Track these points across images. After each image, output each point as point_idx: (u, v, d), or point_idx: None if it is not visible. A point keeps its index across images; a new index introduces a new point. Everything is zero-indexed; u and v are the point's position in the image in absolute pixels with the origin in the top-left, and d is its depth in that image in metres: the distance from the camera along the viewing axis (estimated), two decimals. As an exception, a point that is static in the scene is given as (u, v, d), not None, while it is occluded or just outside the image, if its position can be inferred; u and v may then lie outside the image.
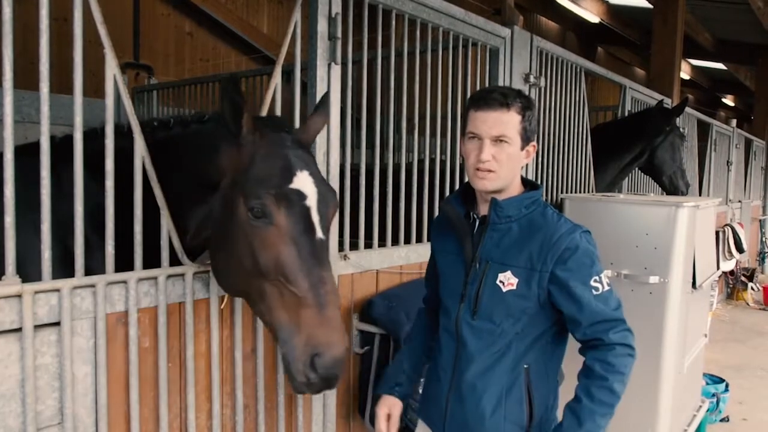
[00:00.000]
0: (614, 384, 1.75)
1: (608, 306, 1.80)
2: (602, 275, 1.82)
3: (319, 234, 1.79)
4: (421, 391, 2.28)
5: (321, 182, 1.84)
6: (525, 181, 1.98)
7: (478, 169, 1.83)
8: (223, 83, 1.72)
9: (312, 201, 1.78)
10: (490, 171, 1.82)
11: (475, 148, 1.83)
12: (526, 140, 1.85)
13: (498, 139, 1.80)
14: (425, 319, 2.23)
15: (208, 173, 1.88)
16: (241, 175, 1.77)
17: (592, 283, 1.79)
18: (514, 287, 1.82)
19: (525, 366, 1.86)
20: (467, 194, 2.00)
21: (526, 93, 1.91)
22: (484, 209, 1.94)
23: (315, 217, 1.78)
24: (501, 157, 1.81)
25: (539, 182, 3.97)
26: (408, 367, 2.16)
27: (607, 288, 1.81)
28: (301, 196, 1.76)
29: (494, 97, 1.81)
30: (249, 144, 1.79)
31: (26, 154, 1.72)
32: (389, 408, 2.12)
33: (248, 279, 1.78)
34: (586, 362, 1.81)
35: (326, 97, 2.10)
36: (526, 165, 2.14)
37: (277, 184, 1.74)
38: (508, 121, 1.80)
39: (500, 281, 1.84)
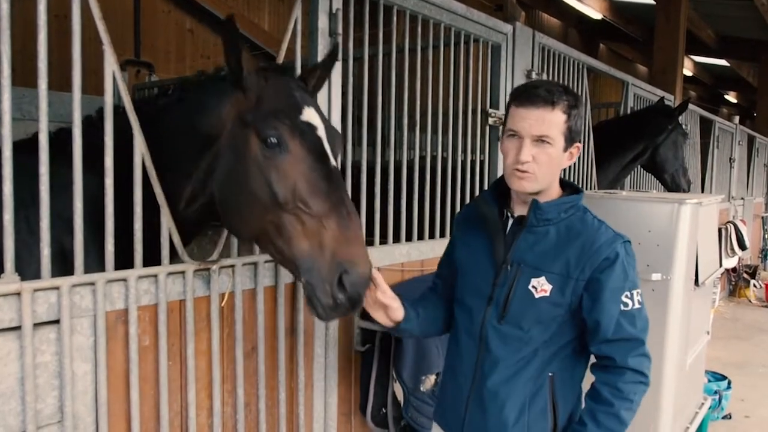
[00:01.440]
0: (621, 411, 1.68)
1: (633, 325, 1.71)
2: (635, 291, 1.72)
3: (333, 162, 1.83)
4: (436, 392, 2.24)
5: (327, 121, 1.90)
6: (564, 183, 1.88)
7: (516, 170, 1.72)
8: (222, 24, 1.73)
9: (322, 133, 1.84)
10: (528, 172, 1.72)
11: (515, 146, 1.73)
12: (569, 141, 1.74)
13: (539, 139, 1.69)
14: (432, 297, 2.10)
15: (208, 129, 1.88)
16: (249, 114, 1.80)
17: (623, 298, 1.70)
18: (548, 294, 1.73)
19: (550, 374, 1.78)
20: (501, 191, 1.89)
21: (567, 86, 1.79)
22: (519, 209, 1.84)
23: (327, 147, 1.83)
24: (541, 158, 1.70)
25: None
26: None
27: (637, 306, 1.72)
28: (312, 127, 1.82)
29: (538, 93, 1.69)
30: (254, 86, 1.83)
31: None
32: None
33: (264, 215, 1.78)
34: (594, 384, 1.75)
35: (336, 49, 2.17)
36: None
37: (289, 117, 1.79)
38: (551, 121, 1.69)
39: (533, 287, 1.75)
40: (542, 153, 1.70)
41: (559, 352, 1.79)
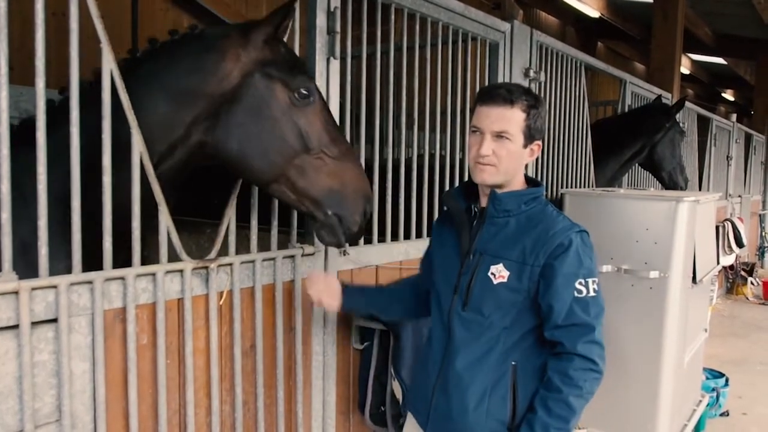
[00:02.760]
0: (569, 397, 1.72)
1: (586, 312, 1.76)
2: (590, 280, 1.78)
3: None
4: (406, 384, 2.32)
5: None
6: (528, 180, 1.97)
7: (478, 162, 1.84)
8: None
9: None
10: (489, 165, 1.83)
11: (477, 142, 1.85)
12: (529, 138, 1.85)
13: (499, 135, 1.81)
14: (406, 288, 2.28)
15: (200, 82, 1.92)
16: (272, 68, 1.95)
17: (576, 285, 1.76)
18: (505, 280, 1.82)
19: (512, 363, 1.84)
20: (470, 188, 2.01)
21: (529, 88, 1.90)
22: (485, 202, 1.95)
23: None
24: (501, 152, 1.82)
25: (539, 177, 3.98)
26: (367, 292, 2.23)
27: (591, 294, 1.77)
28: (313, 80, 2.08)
29: (499, 92, 1.82)
30: (271, 40, 1.97)
31: None
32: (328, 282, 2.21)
33: (291, 159, 1.97)
34: (547, 373, 1.79)
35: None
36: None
37: (306, 71, 2.06)
38: (510, 118, 1.81)
39: (491, 273, 1.83)
40: (502, 148, 1.82)
41: (522, 340, 1.85)
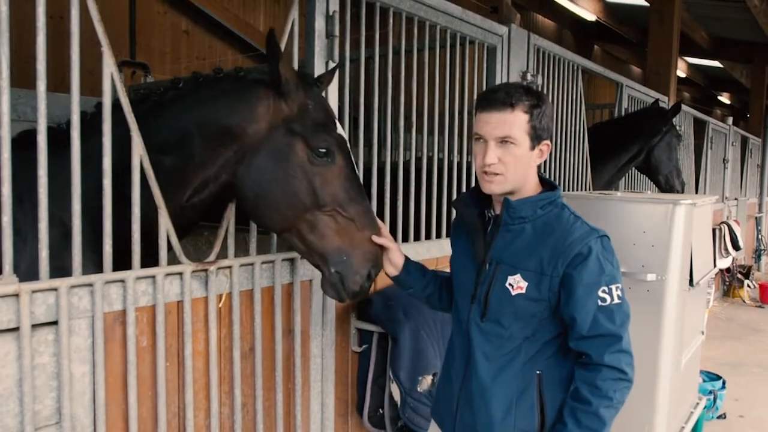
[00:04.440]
0: (600, 409, 1.66)
1: (611, 321, 1.70)
2: (614, 286, 1.71)
3: (359, 173, 2.11)
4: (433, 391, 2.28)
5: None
6: (544, 181, 1.89)
7: (485, 172, 1.77)
8: (267, 37, 1.87)
9: (349, 146, 2.10)
10: (496, 174, 1.76)
11: (481, 150, 1.77)
12: (536, 139, 1.76)
13: (503, 141, 1.74)
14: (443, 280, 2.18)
15: (236, 127, 1.96)
16: (296, 124, 1.97)
17: (600, 293, 1.69)
18: (524, 291, 1.75)
19: (537, 372, 1.78)
20: (481, 193, 1.91)
21: (529, 87, 1.83)
22: (498, 208, 1.87)
23: (352, 159, 2.09)
24: (507, 159, 1.74)
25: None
26: (426, 276, 2.16)
27: (616, 301, 1.71)
28: (344, 139, 2.07)
29: (498, 96, 1.75)
30: (294, 94, 1.98)
31: None
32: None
33: (303, 214, 1.99)
34: (575, 383, 1.74)
35: (335, 68, 2.39)
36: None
37: (333, 130, 2.03)
38: (512, 122, 1.73)
39: (509, 284, 1.77)
40: (507, 154, 1.75)
41: (545, 349, 1.80)
